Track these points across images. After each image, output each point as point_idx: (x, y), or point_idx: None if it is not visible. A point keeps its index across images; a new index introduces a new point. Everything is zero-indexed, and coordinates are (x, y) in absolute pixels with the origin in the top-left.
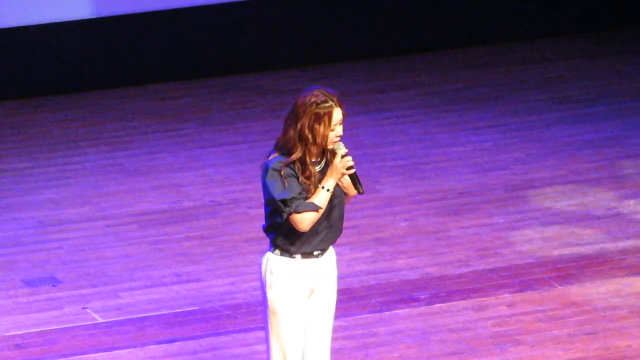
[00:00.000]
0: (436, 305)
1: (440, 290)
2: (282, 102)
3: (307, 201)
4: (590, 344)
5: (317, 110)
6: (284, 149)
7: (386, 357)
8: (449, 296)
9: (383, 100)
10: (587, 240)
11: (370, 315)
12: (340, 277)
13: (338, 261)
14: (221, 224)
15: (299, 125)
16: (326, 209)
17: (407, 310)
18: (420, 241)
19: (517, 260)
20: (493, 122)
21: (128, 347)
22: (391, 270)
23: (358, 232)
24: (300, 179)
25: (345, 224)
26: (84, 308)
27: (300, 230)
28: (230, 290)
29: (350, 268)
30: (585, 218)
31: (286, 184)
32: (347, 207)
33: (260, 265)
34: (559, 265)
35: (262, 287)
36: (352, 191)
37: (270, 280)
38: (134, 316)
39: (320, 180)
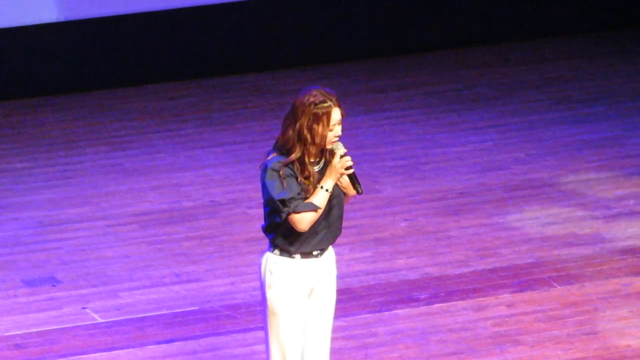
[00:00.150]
0: (436, 305)
1: (440, 290)
2: (281, 102)
3: (306, 201)
4: (590, 344)
5: (315, 110)
6: (283, 149)
7: (386, 357)
8: (448, 296)
9: (383, 100)
10: (587, 240)
11: (370, 315)
12: (340, 277)
13: (338, 261)
14: (221, 224)
15: (297, 125)
16: (325, 209)
17: (407, 310)
18: (419, 241)
19: (517, 260)
20: (493, 122)
21: (127, 347)
22: (391, 270)
23: (358, 232)
24: (299, 179)
25: (345, 224)
26: (84, 308)
27: (299, 230)
28: (229, 290)
29: (349, 268)
30: (585, 218)
31: (285, 184)
32: (346, 207)
33: (259, 265)
34: (558, 265)
35: (262, 287)
36: (351, 191)
37: (270, 280)
38: (134, 316)
39: (319, 180)
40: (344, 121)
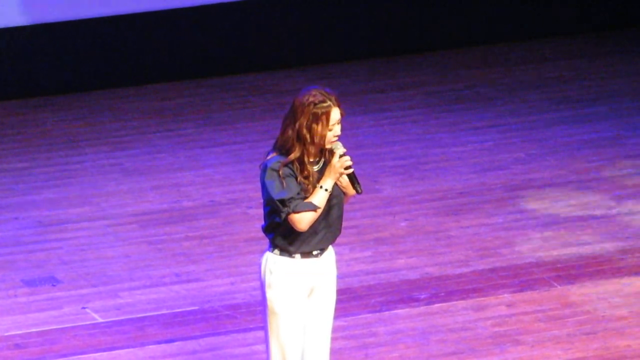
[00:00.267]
0: (436, 305)
1: (440, 290)
2: (281, 102)
3: (305, 201)
4: (590, 344)
5: (315, 110)
6: (283, 148)
7: (386, 357)
8: (448, 296)
9: (383, 100)
10: (587, 240)
11: (370, 315)
12: (340, 277)
13: (338, 261)
14: (221, 223)
15: (297, 125)
16: (325, 209)
17: (407, 310)
18: (420, 241)
19: (517, 260)
20: (493, 122)
21: (128, 347)
22: (391, 270)
23: (358, 232)
24: (298, 179)
25: (345, 223)
26: (84, 308)
27: (299, 230)
28: (229, 290)
29: (350, 268)
30: (585, 218)
31: (284, 183)
32: (346, 206)
33: (259, 265)
34: (558, 265)
35: (262, 286)
36: (351, 191)
37: (270, 280)
38: (134, 316)
39: (318, 180)
40: (343, 121)
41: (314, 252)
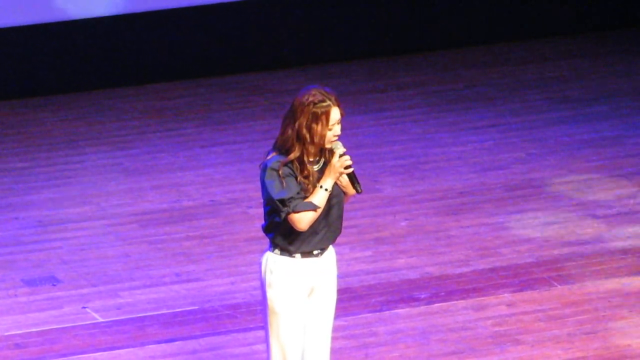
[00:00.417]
0: (436, 304)
1: (440, 289)
2: (282, 101)
3: (305, 200)
4: (590, 343)
5: (314, 109)
6: (283, 148)
7: (386, 357)
8: (448, 296)
9: (383, 99)
10: (587, 240)
11: (370, 314)
12: (340, 277)
13: (338, 261)
14: (221, 223)
15: (296, 124)
16: (325, 208)
17: (407, 309)
18: (420, 241)
19: (517, 260)
20: (493, 121)
21: (128, 347)
22: (391, 270)
23: (358, 231)
24: (298, 179)
25: (345, 223)
26: (84, 307)
27: (299, 230)
28: (230, 290)
29: (350, 267)
30: (585, 218)
31: (284, 183)
32: (347, 206)
33: (259, 264)
34: (558, 265)
35: (262, 286)
36: (351, 190)
37: (270, 279)
38: (134, 316)
39: (318, 180)
40: (343, 120)
41: (314, 252)
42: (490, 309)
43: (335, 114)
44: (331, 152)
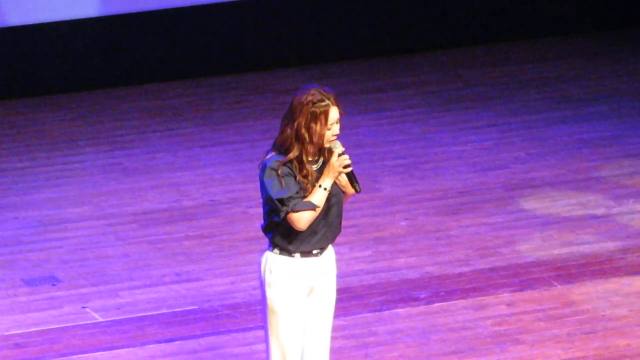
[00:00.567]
0: (436, 304)
1: (440, 289)
2: (281, 101)
3: (304, 200)
4: (590, 343)
5: (313, 109)
6: (282, 148)
7: (386, 357)
8: (448, 295)
9: (383, 99)
10: (587, 240)
11: (370, 314)
12: (340, 276)
13: (338, 260)
14: (221, 223)
15: (295, 124)
16: (324, 208)
17: (407, 309)
18: (420, 240)
19: (517, 260)
20: (493, 121)
21: (128, 347)
22: (391, 270)
23: (358, 231)
24: (297, 178)
25: (344, 223)
26: (84, 307)
27: (298, 229)
28: (229, 290)
29: (349, 267)
30: (585, 217)
31: (283, 183)
32: (346, 206)
33: (259, 264)
34: (558, 265)
35: (262, 286)
36: (350, 190)
37: (270, 279)
38: (134, 315)
39: (317, 179)
40: (343, 120)
41: (314, 251)
42: (490, 308)
43: (334, 113)
44: (330, 151)
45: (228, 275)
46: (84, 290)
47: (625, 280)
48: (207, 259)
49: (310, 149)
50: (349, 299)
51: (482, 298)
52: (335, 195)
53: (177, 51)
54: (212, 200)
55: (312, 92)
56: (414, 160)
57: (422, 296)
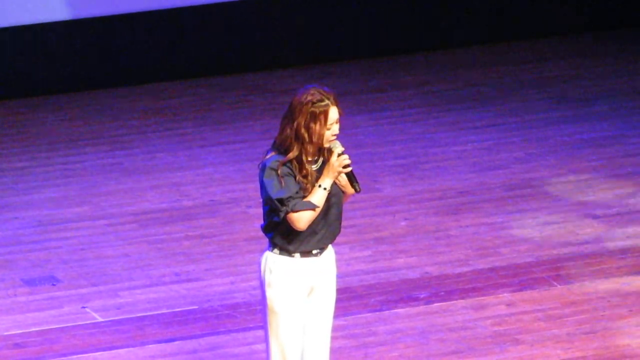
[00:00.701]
0: (435, 304)
1: (440, 289)
2: (281, 101)
3: (304, 200)
4: (590, 343)
5: (313, 109)
6: (281, 148)
7: (385, 357)
8: (448, 295)
9: (382, 99)
10: (587, 240)
11: (370, 314)
12: (340, 276)
13: (337, 260)
14: (221, 223)
15: (295, 124)
16: (324, 208)
17: (407, 309)
18: (419, 240)
19: (517, 260)
20: (493, 121)
21: (127, 347)
22: (390, 270)
23: (358, 231)
24: (297, 178)
25: (344, 223)
26: (84, 307)
27: (298, 229)
28: (229, 290)
29: (349, 267)
30: (584, 217)
31: (283, 183)
32: (346, 206)
33: (259, 264)
34: (558, 265)
35: (262, 286)
36: (350, 190)
37: (270, 279)
38: (134, 315)
39: (317, 179)
40: (343, 120)
41: (314, 251)
42: (489, 308)
43: (333, 113)
44: (330, 151)
45: (228, 275)
46: (84, 290)
47: (625, 280)
48: (206, 259)
49: (310, 148)
50: (349, 299)
51: (482, 298)
52: (335, 195)
53: (177, 51)
54: (212, 200)
55: (312, 91)
56: (414, 160)
57: (422, 296)
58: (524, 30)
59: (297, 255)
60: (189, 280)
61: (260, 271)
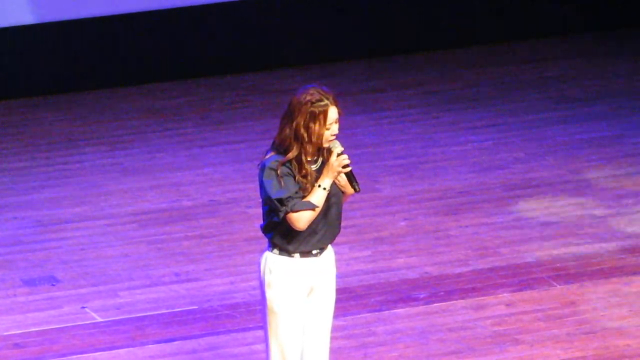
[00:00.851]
0: (435, 304)
1: (440, 289)
2: (281, 101)
3: (303, 200)
4: (589, 343)
5: (312, 109)
6: (281, 148)
7: (385, 357)
8: (448, 295)
9: (382, 99)
10: (586, 240)
11: (369, 314)
12: (339, 276)
13: (337, 260)
14: (220, 223)
15: (294, 124)
16: (323, 208)
17: (406, 309)
18: (419, 240)
19: (516, 260)
20: (492, 121)
21: (127, 347)
22: (390, 270)
23: (357, 231)
24: (296, 178)
25: (344, 223)
26: (83, 307)
27: (297, 229)
28: (229, 290)
29: (349, 267)
30: (584, 217)
31: (282, 183)
32: (346, 206)
33: (259, 264)
34: (558, 265)
35: (261, 286)
36: (350, 190)
37: (269, 279)
38: (133, 315)
39: (316, 179)
40: (343, 120)
41: (313, 251)
42: (489, 308)
43: (332, 113)
44: (329, 151)
45: (228, 275)
46: (84, 291)
47: (625, 280)
48: (206, 259)
49: (309, 148)
50: (349, 299)
51: (482, 298)
52: (334, 195)
53: (177, 51)
54: (212, 200)
55: (311, 91)
56: (413, 160)
57: (422, 296)
58: (524, 30)
59: (297, 255)
60: (188, 281)
61: (259, 271)
